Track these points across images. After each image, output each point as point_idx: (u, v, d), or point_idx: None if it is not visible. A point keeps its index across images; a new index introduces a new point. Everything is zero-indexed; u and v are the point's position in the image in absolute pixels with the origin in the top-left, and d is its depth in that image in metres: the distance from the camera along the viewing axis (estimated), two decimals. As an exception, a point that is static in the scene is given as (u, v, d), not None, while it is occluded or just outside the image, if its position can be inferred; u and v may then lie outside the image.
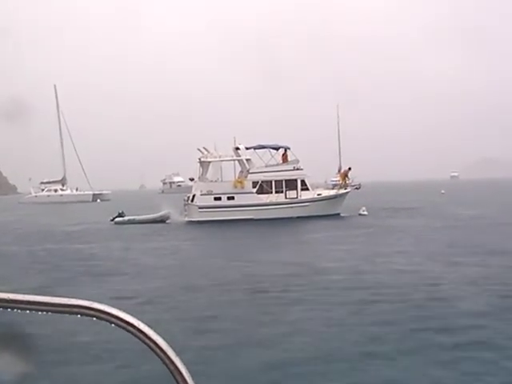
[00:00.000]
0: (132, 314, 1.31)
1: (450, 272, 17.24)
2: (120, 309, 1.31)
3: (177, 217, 44.61)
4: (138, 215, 45.26)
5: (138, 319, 1.32)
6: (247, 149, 47.33)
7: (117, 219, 44.77)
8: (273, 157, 47.18)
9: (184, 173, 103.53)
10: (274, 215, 42.96)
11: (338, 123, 66.29)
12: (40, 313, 1.32)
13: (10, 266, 22.32)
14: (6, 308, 1.32)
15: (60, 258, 25.08)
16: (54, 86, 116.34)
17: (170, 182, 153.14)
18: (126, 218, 44.75)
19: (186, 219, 44.23)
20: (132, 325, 1.30)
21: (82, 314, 1.32)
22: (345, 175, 48.20)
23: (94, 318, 1.31)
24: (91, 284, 17.27)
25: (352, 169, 48.86)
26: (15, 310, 1.33)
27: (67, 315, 1.33)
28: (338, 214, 44.98)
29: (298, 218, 42.67)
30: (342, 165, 62.72)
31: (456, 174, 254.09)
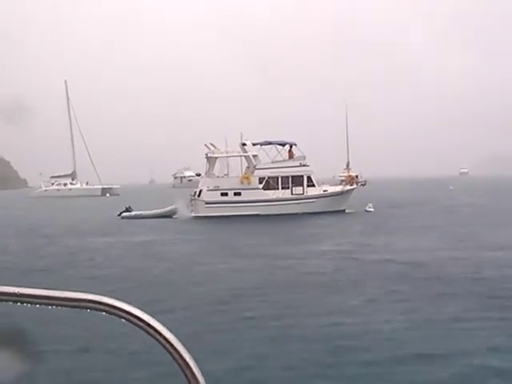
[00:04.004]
0: (142, 309, 1.31)
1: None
2: (130, 303, 1.31)
3: (184, 212, 44.85)
4: (145, 210, 45.70)
5: (148, 314, 1.31)
6: (254, 145, 47.55)
7: (123, 214, 45.17)
8: (279, 153, 47.37)
9: (194, 168, 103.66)
10: (280, 211, 43.13)
11: (346, 119, 65.94)
12: (50, 307, 1.33)
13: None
14: (16, 302, 1.33)
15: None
16: (65, 81, 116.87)
17: (181, 177, 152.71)
18: (132, 213, 45.13)
19: (193, 214, 44.50)
20: (141, 319, 1.29)
21: (91, 309, 1.32)
22: (352, 179, 48.05)
23: (104, 313, 1.31)
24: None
25: (358, 176, 48.73)
26: (25, 305, 1.33)
27: (77, 309, 1.33)
28: (344, 211, 45.13)
29: (304, 214, 42.86)
30: (350, 160, 62.34)
31: (466, 170, 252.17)
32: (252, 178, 45.52)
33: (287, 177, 45.36)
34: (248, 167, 47.74)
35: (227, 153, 48.44)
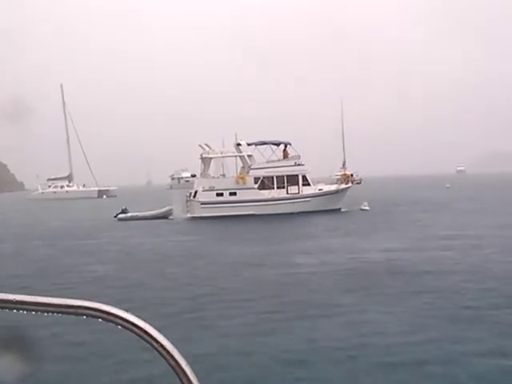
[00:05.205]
0: (138, 316, 1.31)
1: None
2: (126, 310, 1.31)
3: (179, 213, 44.85)
4: (141, 211, 45.75)
5: (144, 320, 1.31)
6: (249, 145, 47.60)
7: (120, 215, 45.22)
8: (274, 152, 47.40)
9: (191, 169, 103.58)
10: (276, 211, 43.20)
11: (342, 118, 66.10)
12: (46, 314, 1.32)
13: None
14: (12, 309, 1.32)
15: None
16: (61, 85, 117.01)
17: (179, 178, 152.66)
18: (128, 215, 45.17)
19: (189, 215, 44.52)
20: (137, 326, 1.29)
21: (87, 316, 1.31)
22: (347, 177, 48.07)
23: (100, 320, 1.31)
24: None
25: (354, 175, 48.75)
26: (21, 312, 1.32)
27: (73, 316, 1.32)
28: (339, 209, 45.20)
29: (300, 213, 42.91)
30: (347, 159, 62.55)
31: (462, 168, 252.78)
32: (247, 177, 45.54)
33: (282, 176, 45.38)
34: (243, 167, 47.80)
35: (222, 153, 48.49)
